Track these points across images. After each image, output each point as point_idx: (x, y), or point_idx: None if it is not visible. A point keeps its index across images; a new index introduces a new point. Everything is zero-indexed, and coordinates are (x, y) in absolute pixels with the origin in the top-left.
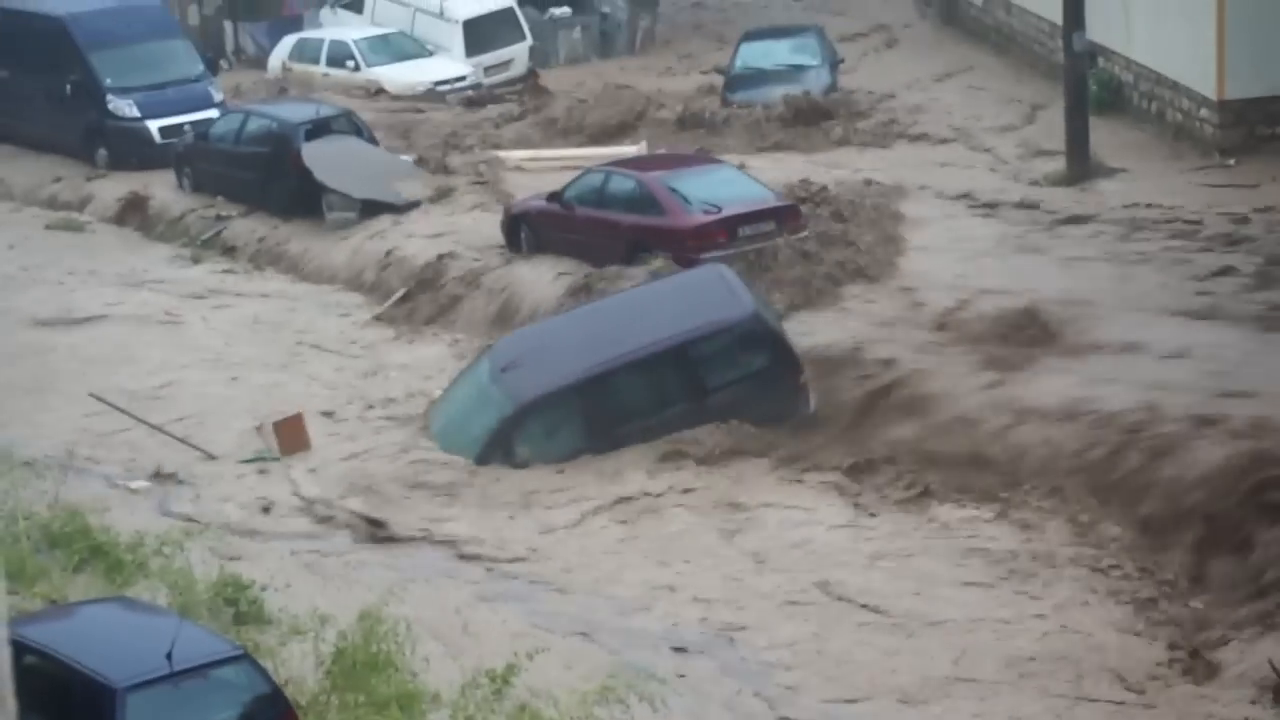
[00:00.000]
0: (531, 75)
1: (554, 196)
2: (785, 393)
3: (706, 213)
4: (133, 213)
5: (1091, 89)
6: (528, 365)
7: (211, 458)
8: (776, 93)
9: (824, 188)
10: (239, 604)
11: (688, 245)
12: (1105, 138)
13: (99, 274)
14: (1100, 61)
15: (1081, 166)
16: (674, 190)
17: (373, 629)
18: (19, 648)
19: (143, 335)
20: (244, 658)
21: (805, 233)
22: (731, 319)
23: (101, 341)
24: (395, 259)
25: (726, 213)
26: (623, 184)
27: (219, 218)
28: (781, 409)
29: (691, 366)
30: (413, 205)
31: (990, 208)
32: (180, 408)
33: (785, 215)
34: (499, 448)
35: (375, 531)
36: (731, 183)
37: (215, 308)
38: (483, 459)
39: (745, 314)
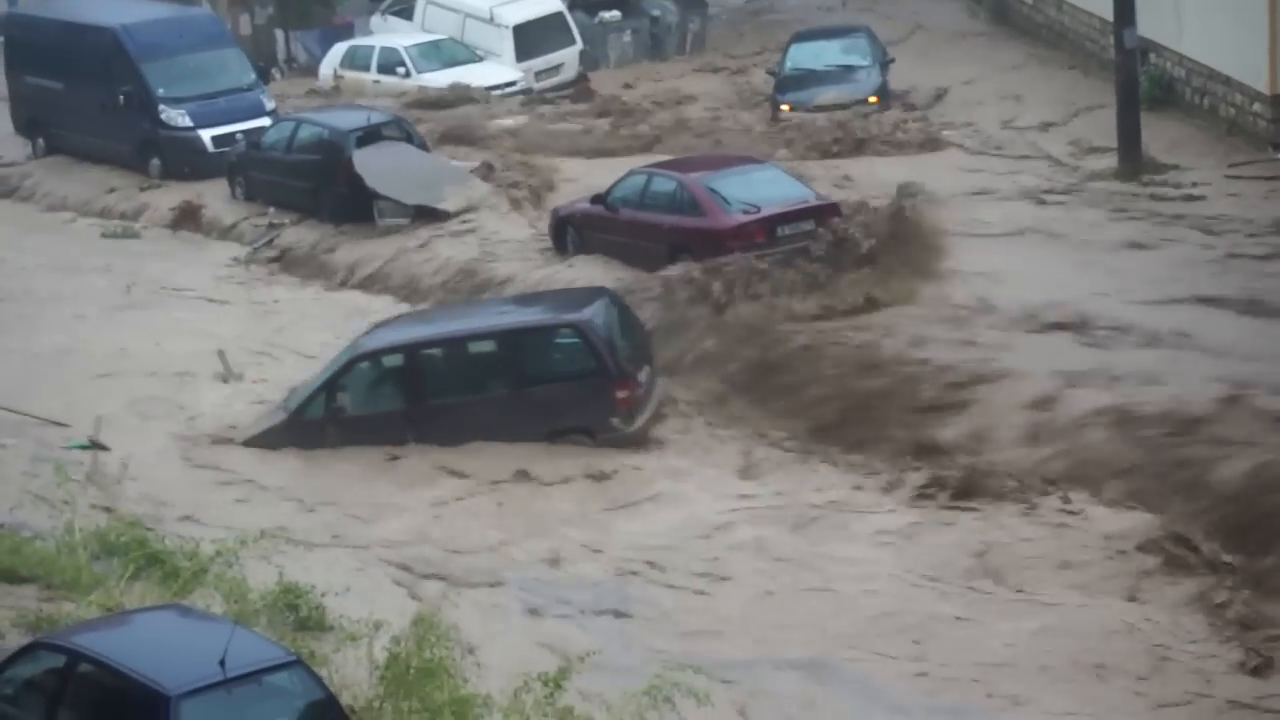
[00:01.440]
0: (582, 79)
1: (598, 198)
2: (599, 403)
3: (745, 213)
4: (186, 222)
5: (1143, 85)
6: (377, 335)
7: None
8: (827, 94)
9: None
10: (299, 610)
11: (726, 245)
12: (1157, 134)
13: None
14: (1151, 58)
15: (1133, 163)
16: (713, 190)
17: (426, 635)
18: (73, 656)
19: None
20: (297, 664)
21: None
22: (558, 320)
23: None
24: (433, 261)
25: (765, 213)
26: (664, 185)
27: (271, 225)
28: (592, 419)
29: (513, 355)
30: (463, 211)
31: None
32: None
33: (825, 213)
34: (327, 399)
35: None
36: (772, 182)
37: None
38: (303, 410)
39: (575, 319)
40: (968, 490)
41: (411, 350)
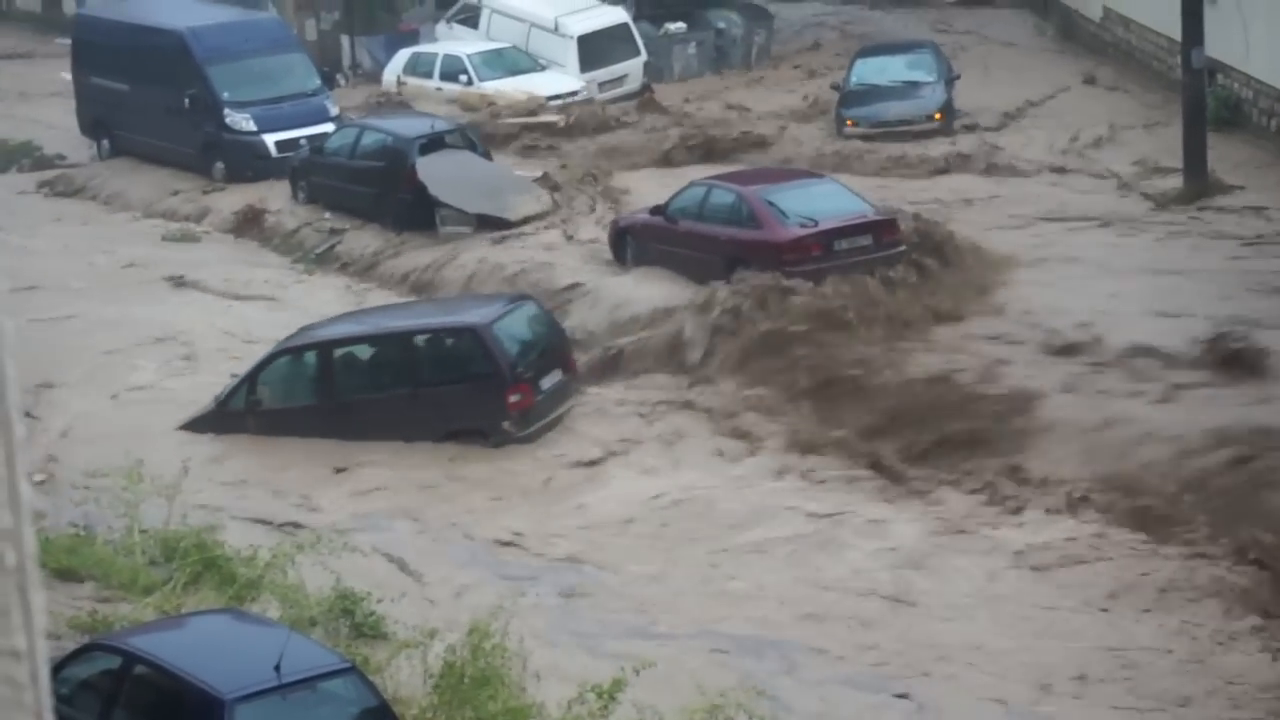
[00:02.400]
0: (646, 90)
1: (657, 210)
2: (492, 406)
3: (803, 226)
4: (248, 226)
5: (1210, 106)
6: (302, 333)
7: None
8: (892, 109)
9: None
10: (354, 616)
11: (782, 259)
12: (1223, 154)
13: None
14: (1219, 78)
15: (1199, 183)
16: (771, 204)
17: (480, 644)
18: (129, 657)
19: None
20: (352, 670)
21: (902, 247)
22: (457, 324)
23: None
24: (491, 270)
25: (822, 226)
26: (723, 197)
27: (333, 231)
28: (486, 421)
29: (413, 356)
30: (526, 220)
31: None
32: None
33: (883, 229)
34: (248, 391)
35: None
36: (831, 196)
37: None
38: (227, 400)
39: (471, 323)
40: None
41: (323, 348)
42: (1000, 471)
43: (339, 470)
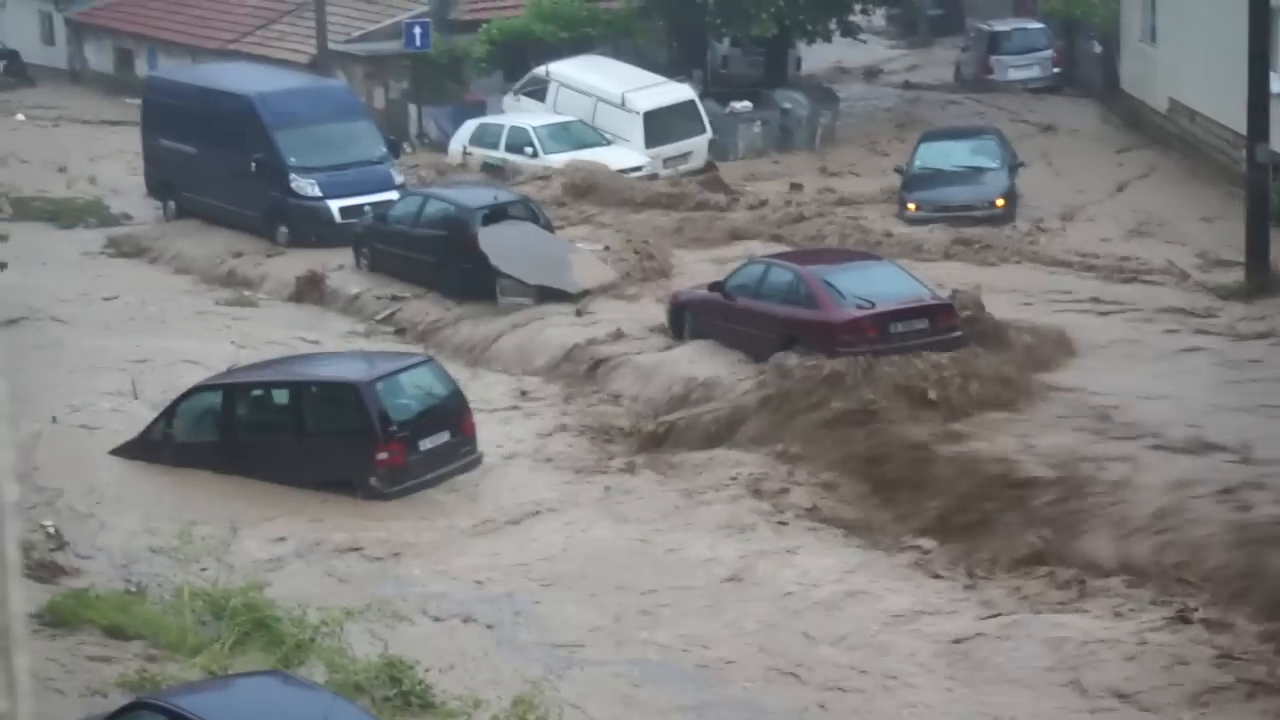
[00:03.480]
0: (710, 167)
1: (715, 286)
2: (359, 462)
3: (859, 308)
4: (310, 291)
5: (1273, 200)
6: (221, 376)
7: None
8: (955, 195)
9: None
10: (402, 684)
11: (837, 339)
12: None
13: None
14: None
15: (1261, 278)
16: (829, 284)
17: (524, 716)
18: (173, 717)
19: None
20: None
21: (959, 333)
22: (340, 380)
23: None
24: (548, 342)
25: (879, 309)
26: (781, 275)
27: (394, 298)
28: (355, 475)
29: (299, 406)
30: (586, 293)
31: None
32: None
33: (939, 313)
34: (164, 423)
35: None
36: (889, 279)
37: None
38: (149, 430)
39: (352, 380)
40: None
41: (228, 390)
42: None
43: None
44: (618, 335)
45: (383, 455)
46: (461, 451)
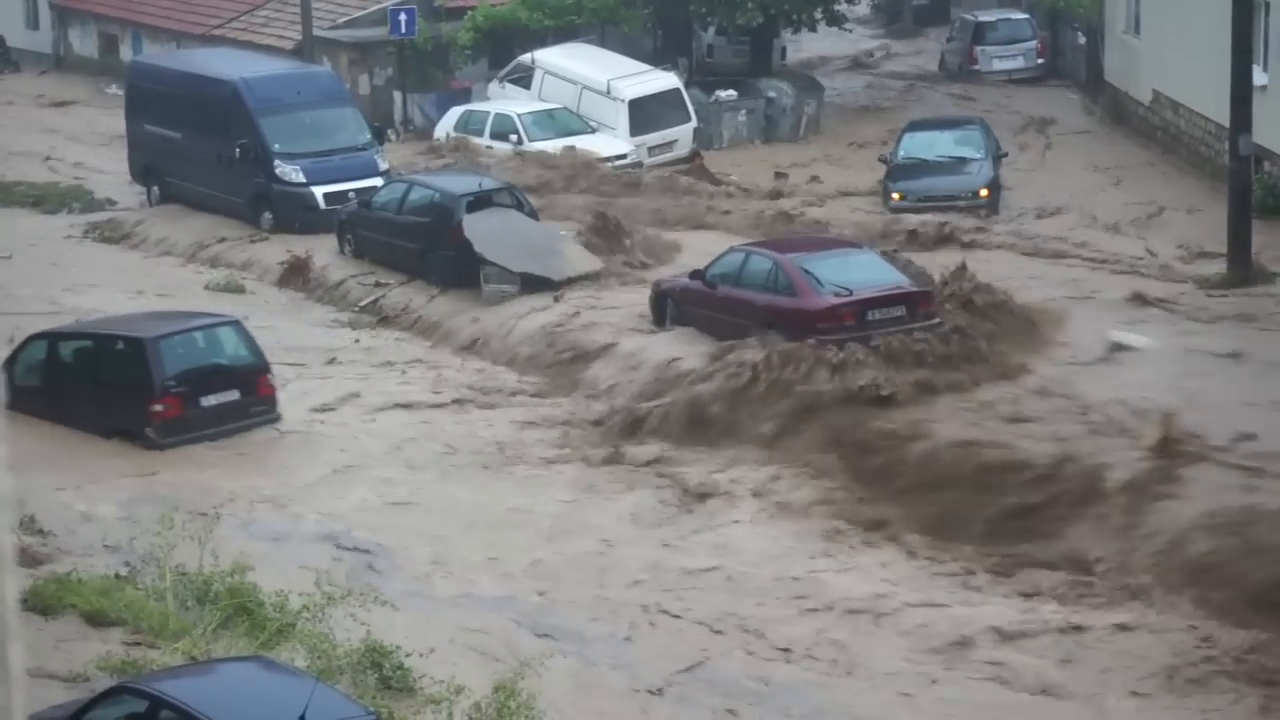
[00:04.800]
0: (694, 156)
1: (697, 274)
2: (138, 414)
3: (837, 295)
4: (294, 276)
5: (1256, 192)
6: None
7: None
8: (939, 184)
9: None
10: (383, 669)
11: (815, 327)
12: (1268, 242)
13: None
14: (1265, 165)
15: (1242, 270)
16: (807, 271)
17: (506, 702)
18: (156, 701)
19: None
20: None
21: (937, 319)
22: (131, 335)
23: None
24: (530, 328)
25: (856, 296)
26: (760, 264)
27: (378, 285)
28: (134, 425)
29: (99, 358)
30: (571, 280)
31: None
32: None
33: (917, 300)
34: (9, 371)
35: None
36: (867, 266)
37: None
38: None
39: (140, 336)
40: None
41: (51, 340)
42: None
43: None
44: (599, 323)
45: (157, 408)
46: (253, 410)
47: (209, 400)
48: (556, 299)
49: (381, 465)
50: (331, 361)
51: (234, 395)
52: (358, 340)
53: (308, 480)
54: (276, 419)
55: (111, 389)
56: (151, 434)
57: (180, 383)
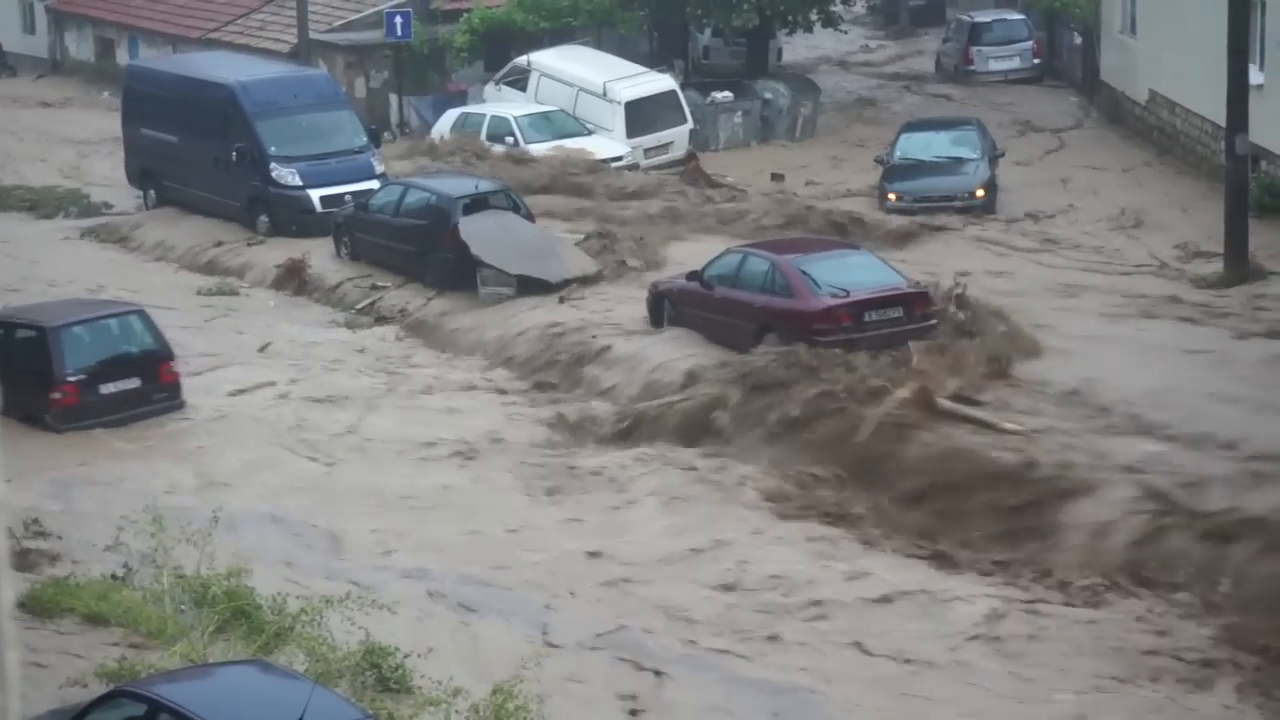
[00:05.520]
0: (691, 158)
1: (694, 275)
2: (39, 399)
3: (834, 296)
4: (290, 280)
5: (1253, 192)
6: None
7: None
8: (935, 185)
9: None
10: (381, 670)
11: (812, 328)
12: (1264, 241)
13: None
14: (1263, 165)
15: (1240, 269)
16: (805, 273)
17: (504, 704)
18: (154, 705)
19: None
20: None
21: (933, 321)
22: (37, 323)
23: None
24: (529, 330)
25: (853, 297)
26: (757, 265)
27: (374, 287)
28: (37, 411)
29: (9, 346)
30: (567, 283)
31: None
32: None
33: (914, 302)
34: None
35: None
36: (864, 268)
37: None
38: None
39: (44, 325)
40: None
41: None
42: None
43: None
44: (598, 325)
45: (56, 395)
46: (155, 398)
47: (108, 388)
48: (563, 300)
49: (295, 450)
50: (264, 349)
51: (135, 383)
52: (352, 336)
53: (231, 466)
54: (180, 405)
55: (20, 375)
56: (50, 420)
57: (80, 370)
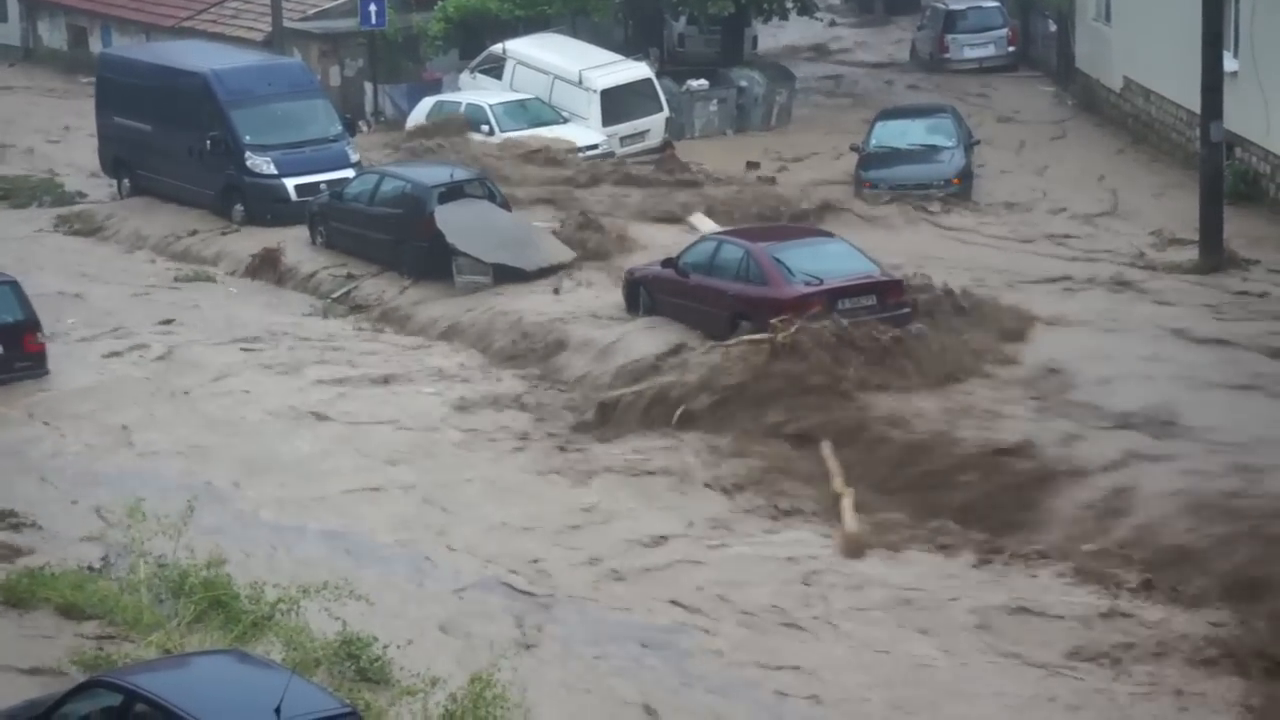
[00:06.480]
0: (667, 146)
1: (669, 262)
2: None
3: (808, 284)
4: (265, 269)
5: (1227, 179)
6: None
7: None
8: (911, 173)
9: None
10: (359, 660)
11: (784, 316)
12: (1239, 229)
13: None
14: (1238, 152)
15: (1214, 257)
16: (779, 260)
17: (481, 694)
18: (130, 695)
19: None
20: (352, 715)
21: (907, 309)
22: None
23: None
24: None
25: (826, 285)
26: (732, 252)
27: (350, 276)
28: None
29: None
30: (544, 272)
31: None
32: None
33: (888, 289)
34: None
35: None
36: (838, 256)
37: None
38: None
39: (9, 278)
40: None
41: None
42: None
43: None
44: (573, 312)
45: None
46: (17, 366)
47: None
48: (556, 291)
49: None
50: (167, 322)
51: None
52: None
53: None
54: (44, 374)
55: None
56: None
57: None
